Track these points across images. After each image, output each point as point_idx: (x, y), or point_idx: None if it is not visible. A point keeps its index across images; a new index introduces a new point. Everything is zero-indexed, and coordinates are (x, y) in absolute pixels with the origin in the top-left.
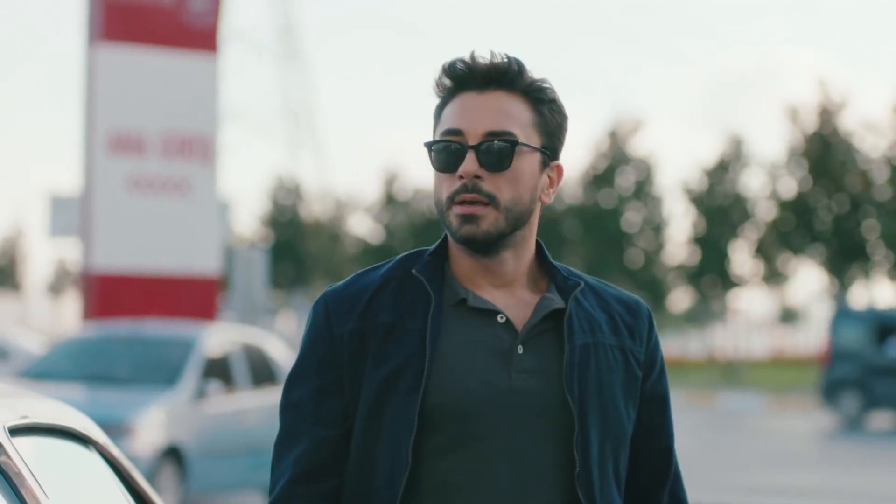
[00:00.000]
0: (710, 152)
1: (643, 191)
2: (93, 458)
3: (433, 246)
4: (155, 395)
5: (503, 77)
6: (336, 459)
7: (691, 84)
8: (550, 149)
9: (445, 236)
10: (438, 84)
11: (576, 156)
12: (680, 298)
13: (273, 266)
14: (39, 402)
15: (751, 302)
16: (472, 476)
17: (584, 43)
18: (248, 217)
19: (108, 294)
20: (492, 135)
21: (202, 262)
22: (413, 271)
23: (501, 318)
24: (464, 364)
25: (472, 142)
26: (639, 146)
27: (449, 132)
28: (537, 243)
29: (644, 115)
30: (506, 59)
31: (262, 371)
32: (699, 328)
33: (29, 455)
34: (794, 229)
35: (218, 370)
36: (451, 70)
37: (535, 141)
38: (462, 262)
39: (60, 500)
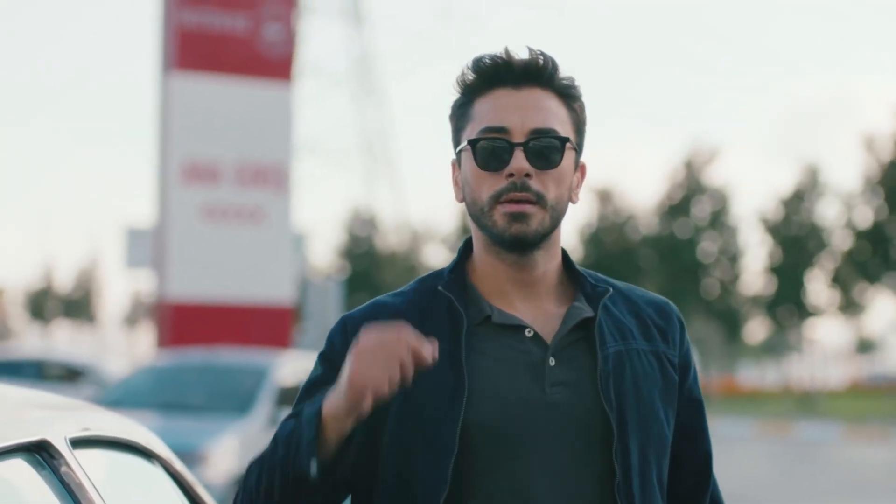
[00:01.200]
0: (785, 182)
1: (719, 220)
2: (156, 473)
3: (451, 263)
4: (228, 423)
5: (541, 73)
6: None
7: (767, 114)
8: (580, 147)
9: (465, 248)
10: (464, 80)
11: (652, 185)
12: (756, 329)
13: (348, 297)
14: (102, 415)
15: (827, 332)
16: (511, 495)
17: (660, 72)
18: (325, 249)
19: (182, 323)
20: (538, 132)
21: (276, 290)
22: (440, 288)
23: (529, 332)
24: (497, 383)
25: (518, 139)
26: (714, 176)
27: (491, 129)
28: (563, 252)
29: (720, 144)
30: (541, 56)
31: None
32: (776, 358)
33: (91, 467)
34: (870, 258)
35: (291, 398)
36: (481, 66)
37: (573, 139)
38: (488, 273)
39: None
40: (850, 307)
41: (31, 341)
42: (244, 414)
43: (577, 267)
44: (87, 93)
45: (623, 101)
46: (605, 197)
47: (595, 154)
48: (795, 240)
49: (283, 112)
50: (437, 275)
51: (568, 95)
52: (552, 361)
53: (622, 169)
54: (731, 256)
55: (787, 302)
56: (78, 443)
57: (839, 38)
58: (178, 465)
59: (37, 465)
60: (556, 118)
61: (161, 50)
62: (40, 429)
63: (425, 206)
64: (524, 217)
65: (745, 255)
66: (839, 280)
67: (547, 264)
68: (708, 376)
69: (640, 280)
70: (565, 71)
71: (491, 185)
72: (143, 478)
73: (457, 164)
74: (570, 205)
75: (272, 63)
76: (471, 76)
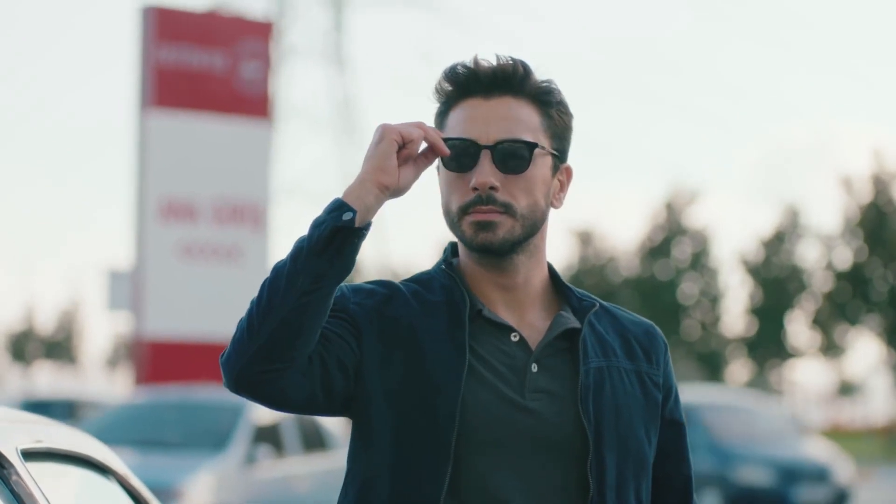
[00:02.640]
0: (766, 223)
1: (700, 262)
2: (111, 488)
3: (439, 262)
4: (205, 460)
5: (509, 81)
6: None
7: (747, 156)
8: (560, 152)
9: (449, 251)
10: (439, 89)
11: (632, 227)
12: (738, 371)
13: None
14: (57, 429)
15: (808, 373)
16: (478, 494)
17: (640, 114)
18: None
19: (159, 360)
20: (502, 143)
21: None
22: (443, 268)
23: (515, 336)
24: (482, 381)
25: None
26: (695, 217)
27: (460, 141)
28: (549, 266)
29: (700, 186)
30: (510, 62)
31: (312, 437)
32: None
33: (43, 479)
34: (850, 300)
35: (268, 435)
36: (452, 75)
37: (546, 145)
38: (473, 276)
39: None
40: (831, 349)
41: (13, 383)
42: (220, 451)
43: (565, 282)
44: (66, 131)
45: (604, 143)
46: (585, 239)
47: (575, 196)
48: (776, 281)
49: (260, 150)
50: (424, 273)
51: (542, 101)
52: (534, 368)
53: (603, 210)
54: (712, 298)
55: (768, 343)
56: (30, 455)
57: (818, 81)
58: (135, 482)
59: None
60: (525, 126)
61: (139, 87)
62: None
63: (405, 250)
64: (490, 225)
65: (726, 296)
66: (820, 321)
67: (530, 271)
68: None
69: None
70: (541, 74)
71: (460, 196)
72: (98, 492)
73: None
74: (553, 210)
75: (250, 101)
76: (445, 85)
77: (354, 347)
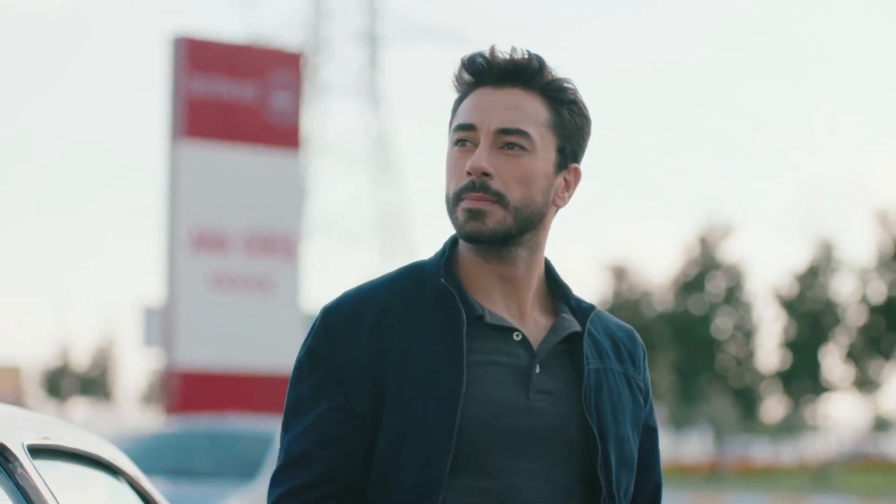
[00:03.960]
0: (800, 257)
1: (734, 296)
2: (122, 489)
3: (439, 255)
4: (235, 489)
5: (521, 73)
6: (357, 480)
7: (781, 190)
8: (568, 151)
9: (449, 242)
10: (457, 78)
11: (666, 262)
12: (773, 407)
13: None
14: (65, 428)
15: (842, 408)
16: (489, 496)
17: (674, 149)
18: None
19: (190, 390)
20: (504, 132)
21: (284, 359)
22: (442, 280)
23: (517, 335)
24: (487, 384)
25: (484, 137)
26: (729, 252)
27: (461, 127)
28: (547, 262)
29: (734, 221)
30: (526, 55)
31: None
32: (791, 435)
33: (50, 476)
34: (884, 333)
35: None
36: (470, 64)
37: (551, 141)
38: (472, 268)
39: None
40: (866, 384)
41: None
42: (251, 480)
43: (563, 281)
44: (97, 162)
45: (638, 177)
46: (619, 273)
47: (609, 230)
48: (810, 315)
49: (291, 180)
50: (421, 267)
51: (553, 97)
52: (538, 369)
53: (636, 245)
54: (746, 332)
55: (803, 377)
56: (37, 451)
57: (852, 115)
58: (146, 484)
59: None
60: (530, 119)
61: (170, 117)
62: None
63: None
64: (480, 214)
65: (760, 331)
66: (854, 355)
67: (530, 266)
68: (722, 453)
69: (654, 356)
70: (557, 72)
71: (456, 181)
72: (107, 492)
73: None
74: (557, 209)
75: (281, 131)
76: (463, 74)
77: (360, 429)
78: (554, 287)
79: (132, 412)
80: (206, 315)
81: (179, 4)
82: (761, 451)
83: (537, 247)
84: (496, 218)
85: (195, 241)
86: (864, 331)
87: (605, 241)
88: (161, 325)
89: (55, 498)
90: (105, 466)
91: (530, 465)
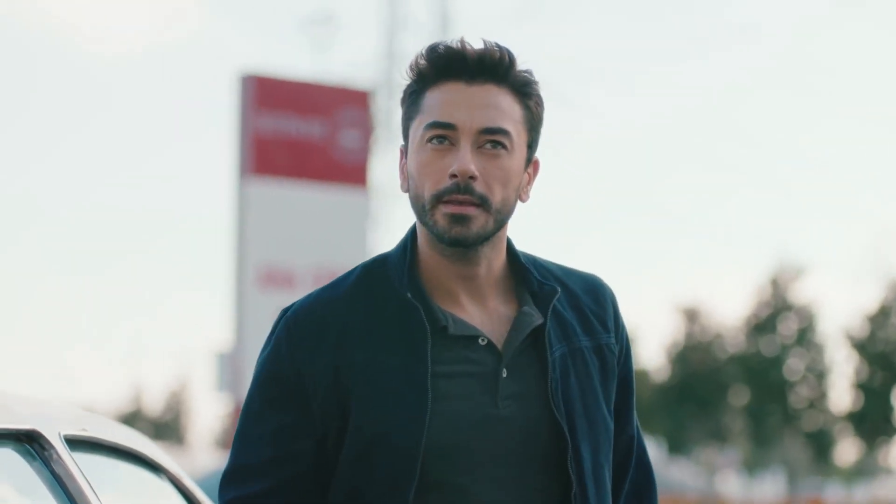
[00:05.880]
0: (871, 298)
1: (805, 338)
2: (163, 486)
3: (397, 253)
4: None
5: (496, 69)
6: (309, 497)
7: (852, 232)
8: (534, 145)
9: (409, 239)
10: (416, 67)
11: (738, 303)
12: (846, 450)
13: None
14: (105, 422)
15: None
16: None
17: (745, 191)
18: None
19: None
20: (487, 131)
21: None
22: (409, 296)
23: (483, 340)
24: (453, 400)
25: (465, 137)
26: (800, 293)
27: (439, 125)
28: (509, 244)
29: (805, 262)
30: (497, 49)
31: None
32: (865, 477)
33: (89, 469)
34: None
35: None
36: (434, 54)
37: (524, 138)
38: (433, 268)
39: None
40: None
41: None
42: None
43: (523, 260)
44: (169, 206)
45: (709, 219)
46: (691, 315)
47: (681, 272)
48: (882, 356)
49: (359, 218)
50: (381, 268)
51: (523, 92)
52: (504, 373)
53: (708, 287)
54: (818, 374)
55: (876, 419)
56: (75, 443)
57: None
58: (188, 482)
59: (27, 456)
60: (508, 117)
61: (238, 155)
62: (33, 420)
63: None
64: (465, 219)
65: (832, 372)
66: None
67: (492, 261)
68: (795, 495)
69: (726, 398)
70: (523, 65)
71: (434, 182)
72: (148, 488)
73: (404, 151)
74: (521, 204)
75: (348, 169)
76: (423, 64)
77: (315, 447)
78: (515, 269)
79: (205, 456)
80: None
81: (250, 46)
82: (834, 494)
83: (499, 241)
84: (480, 223)
85: (263, 278)
86: None
87: (676, 283)
88: (231, 366)
89: (92, 488)
90: (146, 462)
91: (504, 473)
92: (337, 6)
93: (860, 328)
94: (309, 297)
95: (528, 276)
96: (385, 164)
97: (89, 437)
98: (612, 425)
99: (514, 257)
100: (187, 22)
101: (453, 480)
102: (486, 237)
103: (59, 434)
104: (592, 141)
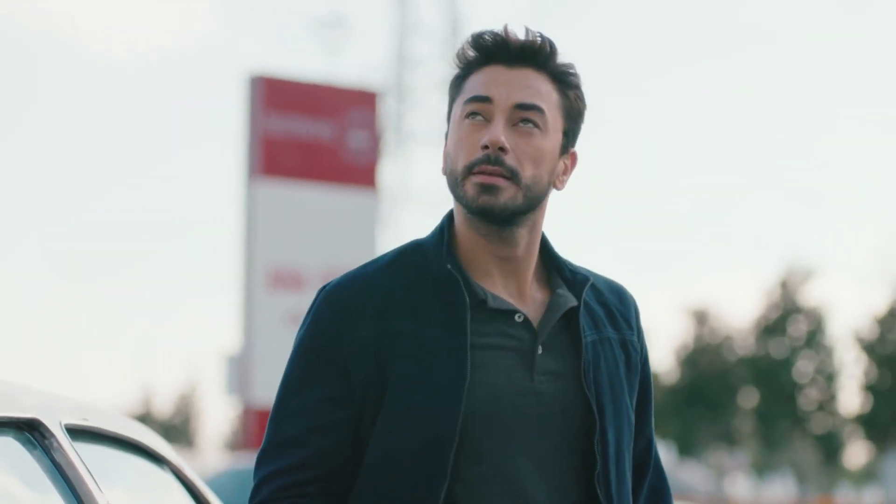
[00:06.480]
0: (880, 301)
1: (815, 340)
2: (165, 477)
3: (433, 234)
4: None
5: (536, 55)
6: (344, 466)
7: (862, 236)
8: (571, 135)
9: (447, 222)
10: (461, 55)
11: (747, 306)
12: (856, 453)
13: None
14: (106, 413)
15: None
16: (497, 483)
17: (755, 194)
18: None
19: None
20: (522, 107)
21: None
22: (448, 267)
23: (519, 317)
24: (491, 371)
25: (500, 111)
26: (810, 296)
27: (476, 98)
28: (542, 236)
29: (815, 265)
30: (539, 38)
31: None
32: (875, 479)
33: (90, 459)
34: None
35: None
36: (479, 41)
37: (559, 123)
38: (471, 248)
39: None
40: None
41: None
42: None
43: (556, 252)
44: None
45: (718, 222)
46: (700, 318)
47: (691, 274)
48: (891, 358)
49: (367, 219)
50: (419, 247)
51: (562, 81)
52: (540, 350)
53: (718, 289)
54: (828, 376)
55: (885, 421)
56: (76, 432)
57: None
58: (190, 473)
59: (27, 444)
60: (544, 98)
61: (246, 156)
62: (34, 409)
63: None
64: (494, 189)
65: (842, 374)
66: None
67: (529, 245)
68: (805, 498)
69: (735, 401)
70: (564, 57)
71: (467, 155)
72: (150, 478)
73: (446, 136)
74: (555, 192)
75: (357, 170)
76: (470, 51)
77: (353, 417)
78: (549, 260)
79: (215, 458)
80: (282, 353)
81: (261, 49)
82: (844, 497)
83: (535, 227)
84: (508, 194)
85: (272, 279)
86: None
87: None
88: (241, 368)
89: (93, 477)
90: (147, 453)
91: (534, 447)
92: (348, 10)
93: (869, 330)
94: (347, 274)
95: (560, 265)
96: (394, 166)
97: (90, 427)
98: (633, 417)
99: (546, 247)
100: (199, 25)
101: (489, 449)
102: (515, 211)
103: (60, 423)
104: (602, 142)
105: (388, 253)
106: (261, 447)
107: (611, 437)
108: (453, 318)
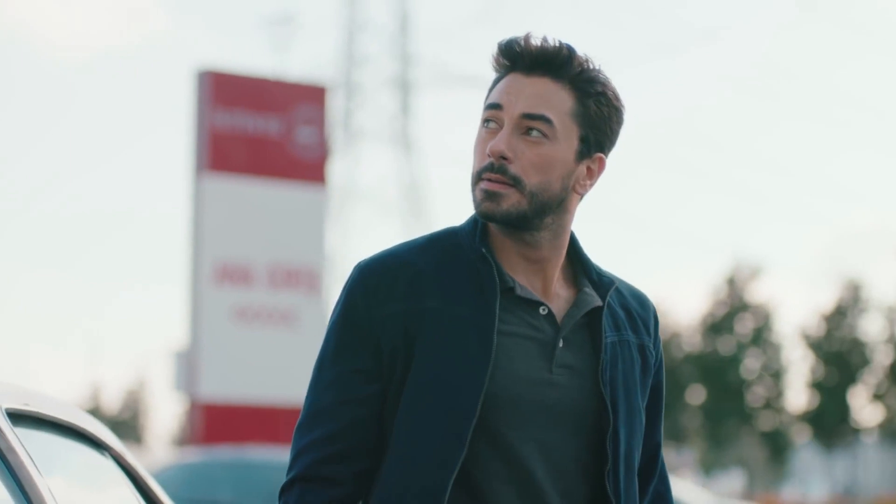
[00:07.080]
0: (827, 298)
1: (762, 337)
2: (106, 464)
3: (467, 223)
4: None
5: (550, 63)
6: (372, 440)
7: (808, 235)
8: (592, 140)
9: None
10: (495, 60)
11: (694, 303)
12: (803, 448)
13: None
14: (47, 398)
15: (870, 449)
16: (506, 463)
17: (703, 193)
18: None
19: (214, 423)
20: (527, 116)
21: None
22: (483, 251)
23: (544, 309)
24: (514, 356)
25: (509, 119)
26: (757, 293)
27: (490, 106)
28: (572, 236)
29: (762, 262)
30: (557, 45)
31: None
32: (821, 475)
33: (31, 445)
34: None
35: None
36: (506, 49)
37: (573, 130)
38: (501, 244)
39: (70, 500)
40: (894, 424)
41: None
42: None
43: (585, 254)
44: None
45: (666, 221)
46: None
47: (638, 272)
48: (837, 355)
49: (315, 214)
50: (454, 233)
51: (580, 88)
52: (561, 343)
53: (665, 287)
54: (775, 373)
55: (831, 418)
56: (17, 417)
57: (881, 163)
58: (131, 459)
59: None
60: (554, 107)
61: (194, 151)
62: None
63: None
64: (496, 196)
65: (789, 371)
66: (881, 396)
67: (555, 248)
68: (752, 495)
69: (683, 397)
70: (590, 62)
71: (478, 161)
72: (91, 465)
73: None
74: (578, 197)
75: (305, 166)
76: (499, 58)
77: (383, 391)
78: (576, 260)
79: (163, 455)
80: (229, 348)
81: (211, 46)
82: (791, 494)
83: (561, 230)
84: (511, 201)
85: (219, 274)
86: (892, 371)
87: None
88: (188, 363)
89: (34, 463)
90: (89, 440)
91: (546, 437)
92: (298, 7)
93: (816, 328)
94: (381, 252)
95: (588, 267)
96: (343, 163)
97: (32, 412)
98: (644, 420)
99: (576, 248)
100: (148, 22)
101: (504, 433)
102: (521, 217)
103: (1, 407)
104: None
105: (421, 237)
106: (299, 418)
107: (622, 435)
108: (483, 301)
